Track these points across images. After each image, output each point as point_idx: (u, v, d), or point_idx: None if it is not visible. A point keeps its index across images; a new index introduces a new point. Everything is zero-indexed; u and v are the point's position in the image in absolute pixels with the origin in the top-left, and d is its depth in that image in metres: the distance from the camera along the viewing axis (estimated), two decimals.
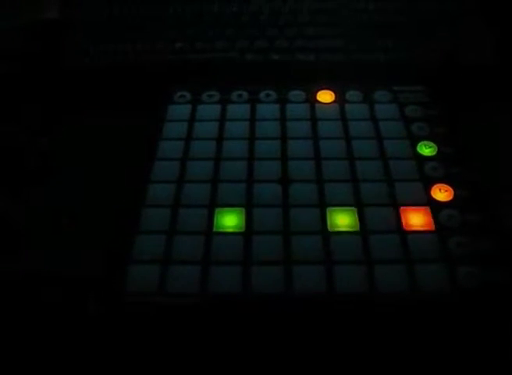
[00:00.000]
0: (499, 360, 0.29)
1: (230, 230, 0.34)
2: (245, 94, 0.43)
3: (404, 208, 0.35)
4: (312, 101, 0.43)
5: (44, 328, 0.30)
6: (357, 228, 0.34)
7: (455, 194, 0.36)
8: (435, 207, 0.35)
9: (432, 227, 0.34)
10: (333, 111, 0.42)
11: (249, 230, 0.34)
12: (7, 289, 0.32)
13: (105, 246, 0.33)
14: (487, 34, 0.47)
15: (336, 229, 0.34)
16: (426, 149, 0.39)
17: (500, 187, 0.37)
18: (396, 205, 0.35)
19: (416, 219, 0.34)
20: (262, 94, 0.43)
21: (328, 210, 0.35)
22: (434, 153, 0.39)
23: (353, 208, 0.35)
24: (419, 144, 0.39)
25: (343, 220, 0.34)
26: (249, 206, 0.35)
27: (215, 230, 0.34)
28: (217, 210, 0.35)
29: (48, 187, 0.38)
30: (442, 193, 0.36)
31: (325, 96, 0.43)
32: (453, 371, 0.29)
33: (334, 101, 0.43)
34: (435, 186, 0.36)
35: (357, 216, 0.34)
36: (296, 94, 0.43)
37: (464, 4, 0.50)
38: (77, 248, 0.34)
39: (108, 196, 0.36)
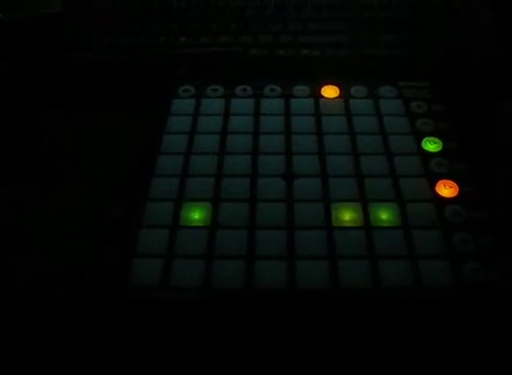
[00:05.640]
0: (502, 355, 0.29)
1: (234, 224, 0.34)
2: (249, 89, 0.43)
3: (409, 204, 0.35)
4: (317, 96, 0.43)
5: (47, 323, 0.30)
6: (361, 223, 0.34)
7: (460, 190, 0.36)
8: (440, 203, 0.35)
9: (437, 223, 0.34)
10: (338, 106, 0.42)
11: (253, 225, 0.34)
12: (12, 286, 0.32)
13: (109, 240, 0.33)
14: (493, 30, 0.47)
15: (340, 224, 0.34)
16: (431, 145, 0.39)
17: (505, 183, 0.37)
18: (400, 200, 0.35)
19: (420, 215, 0.34)
20: (266, 89, 0.43)
21: (333, 205, 0.35)
22: (439, 149, 0.38)
23: (357, 203, 0.35)
24: (424, 140, 0.39)
25: (347, 216, 0.34)
26: (253, 201, 0.35)
27: (219, 223, 0.34)
28: (221, 204, 0.35)
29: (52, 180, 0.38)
30: (446, 189, 0.36)
31: (330, 91, 0.43)
32: (456, 366, 0.29)
33: (339, 97, 0.43)
34: (439, 182, 0.36)
35: (361, 211, 0.34)
36: (300, 89, 0.43)
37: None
38: (81, 243, 0.34)
39: (112, 190, 0.36)
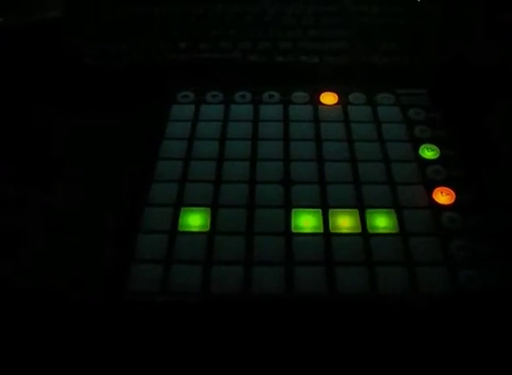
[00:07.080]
0: (498, 362, 0.29)
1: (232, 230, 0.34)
2: (248, 95, 0.43)
3: (406, 210, 0.35)
4: (315, 103, 0.43)
5: (46, 325, 0.30)
6: (359, 230, 0.34)
7: (456, 198, 0.36)
8: (437, 210, 0.35)
9: (434, 230, 0.34)
10: (336, 113, 0.42)
11: (251, 231, 0.34)
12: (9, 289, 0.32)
13: (108, 245, 0.34)
14: (490, 37, 0.48)
15: (338, 230, 0.34)
16: (428, 152, 0.39)
17: (502, 190, 0.37)
18: (397, 207, 0.35)
19: (417, 221, 0.35)
20: (265, 95, 0.44)
21: (330, 212, 0.35)
22: (436, 156, 0.39)
23: (354, 210, 0.35)
24: (421, 147, 0.39)
25: (345, 222, 0.34)
26: (251, 207, 0.35)
27: (217, 230, 0.34)
28: (220, 210, 0.35)
29: (50, 185, 0.38)
30: (443, 196, 0.36)
31: (328, 98, 0.43)
32: (453, 372, 0.29)
33: (337, 103, 0.43)
34: (436, 189, 0.36)
35: (358, 217, 0.35)
36: (299, 95, 0.44)
37: (467, 7, 0.50)
38: (80, 248, 0.34)
39: (111, 195, 0.36)
